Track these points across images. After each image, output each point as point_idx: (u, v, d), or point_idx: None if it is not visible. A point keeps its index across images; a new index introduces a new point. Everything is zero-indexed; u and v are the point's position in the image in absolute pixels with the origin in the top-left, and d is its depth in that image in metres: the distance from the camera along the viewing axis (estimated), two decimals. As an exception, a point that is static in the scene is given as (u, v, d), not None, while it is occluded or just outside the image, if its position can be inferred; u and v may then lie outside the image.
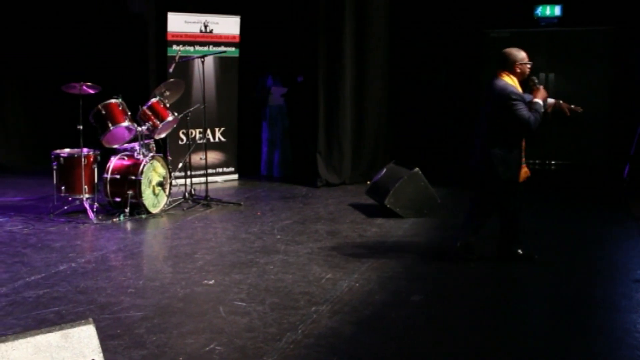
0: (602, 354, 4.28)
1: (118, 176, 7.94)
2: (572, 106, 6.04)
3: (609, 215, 8.37)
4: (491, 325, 4.74)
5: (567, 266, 6.14)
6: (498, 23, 10.72)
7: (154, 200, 8.09)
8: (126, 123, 8.03)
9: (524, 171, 5.92)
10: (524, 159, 5.91)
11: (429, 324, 4.74)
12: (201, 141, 9.34)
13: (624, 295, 5.35)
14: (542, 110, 5.74)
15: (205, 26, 10.17)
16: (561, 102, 6.09)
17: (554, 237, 6.61)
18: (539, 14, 10.51)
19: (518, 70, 5.78)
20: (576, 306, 5.13)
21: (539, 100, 5.73)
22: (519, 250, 6.12)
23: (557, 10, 10.47)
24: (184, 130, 9.81)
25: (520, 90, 5.75)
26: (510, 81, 5.75)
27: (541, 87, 5.85)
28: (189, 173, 8.95)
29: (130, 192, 7.84)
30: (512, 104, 5.61)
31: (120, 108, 8.05)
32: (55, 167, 7.96)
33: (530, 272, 5.95)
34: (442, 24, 10.84)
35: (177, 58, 9.01)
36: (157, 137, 8.47)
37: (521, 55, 5.79)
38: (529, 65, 5.83)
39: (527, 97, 5.80)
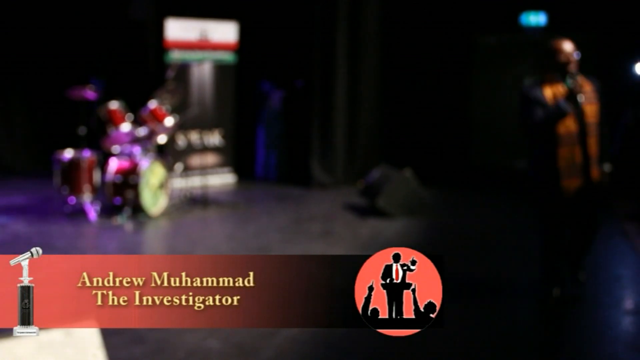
0: (585, 347, 4.44)
1: (118, 178, 8.12)
2: None
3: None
4: (478, 322, 4.89)
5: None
6: (486, 29, 10.89)
7: (153, 201, 8.27)
8: (126, 127, 8.23)
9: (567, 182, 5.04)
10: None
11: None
12: (199, 144, 9.50)
13: (605, 291, 5.51)
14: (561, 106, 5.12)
15: (203, 33, 10.32)
16: None
17: (538, 236, 6.75)
18: (524, 22, 10.62)
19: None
20: (559, 302, 5.23)
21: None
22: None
23: (541, 18, 10.57)
24: (183, 134, 9.99)
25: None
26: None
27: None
28: (187, 175, 9.13)
29: (130, 194, 8.04)
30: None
31: (120, 112, 8.25)
32: (57, 169, 8.17)
33: (514, 270, 6.10)
34: (432, 30, 11.03)
35: (175, 65, 9.17)
36: (156, 140, 8.65)
37: None
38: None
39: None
